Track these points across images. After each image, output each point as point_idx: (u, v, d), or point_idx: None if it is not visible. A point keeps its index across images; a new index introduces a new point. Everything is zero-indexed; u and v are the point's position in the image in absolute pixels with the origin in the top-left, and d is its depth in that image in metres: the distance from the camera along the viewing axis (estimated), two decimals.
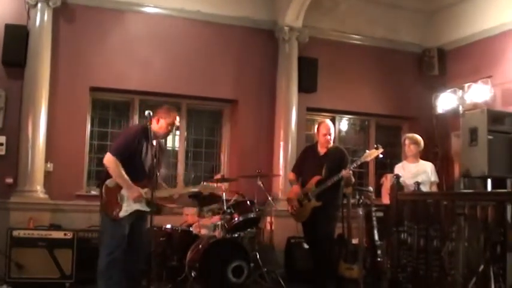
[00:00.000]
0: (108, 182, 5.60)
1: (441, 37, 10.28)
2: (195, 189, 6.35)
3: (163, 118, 5.74)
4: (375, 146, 7.19)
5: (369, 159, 7.14)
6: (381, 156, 7.18)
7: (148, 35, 8.81)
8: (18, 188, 7.84)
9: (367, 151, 7.20)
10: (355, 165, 7.03)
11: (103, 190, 5.61)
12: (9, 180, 7.90)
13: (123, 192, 5.58)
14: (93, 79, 8.46)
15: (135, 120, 8.82)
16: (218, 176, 7.72)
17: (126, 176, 5.55)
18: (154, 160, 5.63)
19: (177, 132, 9.28)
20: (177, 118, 5.87)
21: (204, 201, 7.43)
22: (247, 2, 9.38)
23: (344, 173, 6.89)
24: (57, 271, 7.12)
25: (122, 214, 5.56)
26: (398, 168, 7.44)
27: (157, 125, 5.76)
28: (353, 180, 7.30)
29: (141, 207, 5.62)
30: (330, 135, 7.16)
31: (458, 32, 9.94)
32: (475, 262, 5.06)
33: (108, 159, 5.57)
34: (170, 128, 5.80)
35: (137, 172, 5.63)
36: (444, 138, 10.04)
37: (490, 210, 4.95)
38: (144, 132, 5.69)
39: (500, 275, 4.79)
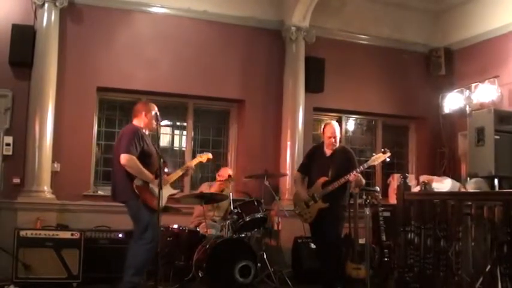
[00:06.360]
0: (135, 181, 5.78)
1: (448, 37, 10.25)
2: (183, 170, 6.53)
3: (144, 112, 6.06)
4: (382, 149, 7.03)
5: (376, 163, 6.99)
6: (388, 160, 7.03)
7: (155, 35, 8.81)
8: (25, 188, 7.85)
9: (374, 154, 7.05)
10: (362, 168, 6.91)
11: (136, 191, 5.76)
12: (16, 181, 7.90)
13: (151, 185, 5.81)
14: (100, 79, 8.47)
15: None
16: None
17: (144, 170, 5.79)
18: (158, 151, 5.90)
19: (184, 132, 9.30)
20: (155, 108, 6.11)
21: (209, 200, 7.44)
22: (254, 2, 9.36)
23: (351, 177, 6.81)
24: (64, 271, 7.11)
25: (162, 203, 5.76)
26: None
27: (144, 119, 6.04)
28: (363, 181, 7.23)
29: (171, 192, 6.04)
30: (335, 137, 7.07)
31: (465, 32, 9.91)
32: (482, 262, 5.07)
33: (125, 158, 5.74)
34: (152, 118, 6.02)
35: (150, 166, 5.86)
36: (451, 138, 10.03)
37: (497, 210, 4.96)
38: (140, 129, 6.02)
39: (507, 274, 4.79)
